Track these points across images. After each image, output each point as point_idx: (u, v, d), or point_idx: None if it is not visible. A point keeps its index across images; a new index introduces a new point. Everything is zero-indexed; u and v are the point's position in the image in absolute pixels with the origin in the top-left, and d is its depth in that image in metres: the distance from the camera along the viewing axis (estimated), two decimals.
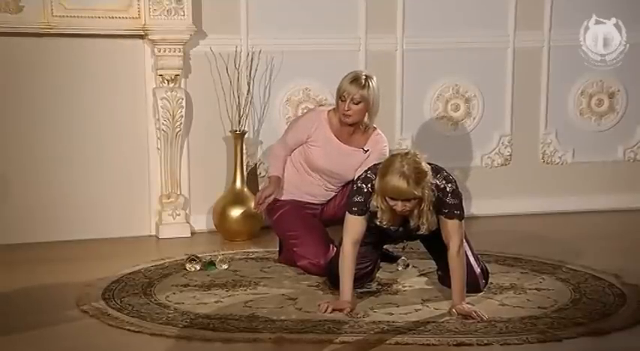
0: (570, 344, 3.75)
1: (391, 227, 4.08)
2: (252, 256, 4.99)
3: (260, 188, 5.10)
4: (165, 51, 5.21)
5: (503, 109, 5.94)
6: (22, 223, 5.19)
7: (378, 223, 4.05)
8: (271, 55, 5.45)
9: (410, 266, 4.68)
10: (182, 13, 5.19)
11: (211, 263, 4.72)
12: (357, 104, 4.58)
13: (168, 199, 5.39)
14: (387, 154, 4.34)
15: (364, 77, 4.59)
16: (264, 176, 5.47)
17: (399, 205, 3.89)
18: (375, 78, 4.62)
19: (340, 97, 4.61)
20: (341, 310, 4.02)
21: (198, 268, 4.67)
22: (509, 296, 4.29)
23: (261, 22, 5.47)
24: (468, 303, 4.05)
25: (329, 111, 4.74)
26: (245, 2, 5.44)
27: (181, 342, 3.74)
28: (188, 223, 5.46)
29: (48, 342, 3.76)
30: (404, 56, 5.71)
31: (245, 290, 4.38)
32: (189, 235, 5.44)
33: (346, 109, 4.59)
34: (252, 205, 5.00)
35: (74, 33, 5.12)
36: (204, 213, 5.49)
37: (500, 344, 3.72)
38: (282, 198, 4.78)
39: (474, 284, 4.24)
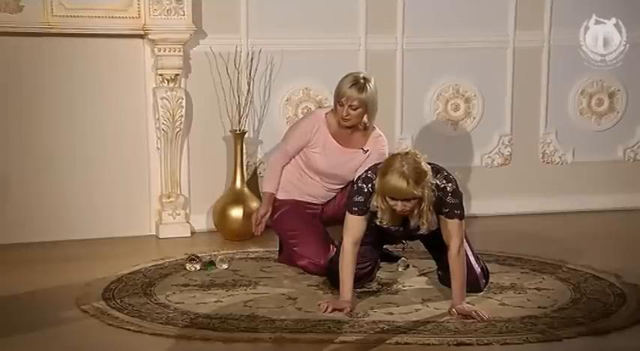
0: (570, 344, 3.75)
1: (391, 227, 4.08)
2: (252, 256, 4.98)
3: (255, 208, 5.04)
4: (165, 51, 5.21)
5: (504, 109, 5.93)
6: (22, 223, 5.19)
7: (379, 223, 4.05)
8: (271, 55, 5.45)
9: (410, 266, 4.68)
10: (182, 13, 5.18)
11: (211, 263, 4.72)
12: (355, 110, 4.57)
13: (168, 198, 5.39)
14: (387, 154, 4.34)
15: (363, 81, 4.56)
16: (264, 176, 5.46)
17: (399, 205, 3.89)
18: (373, 79, 4.61)
19: (339, 101, 4.60)
20: (341, 310, 4.02)
21: (198, 267, 4.67)
22: (510, 296, 4.29)
23: (261, 22, 5.46)
24: (468, 303, 4.05)
25: (327, 113, 4.73)
26: (245, 2, 5.44)
27: (181, 342, 3.74)
28: (188, 222, 5.46)
29: (48, 342, 3.76)
30: (404, 56, 5.71)
31: (245, 290, 4.38)
32: (189, 234, 5.44)
33: (345, 114, 4.58)
34: (253, 229, 4.83)
35: (74, 33, 5.11)
36: (204, 213, 5.48)
37: (500, 344, 3.73)
38: (283, 198, 4.77)
39: (474, 284, 4.24)
